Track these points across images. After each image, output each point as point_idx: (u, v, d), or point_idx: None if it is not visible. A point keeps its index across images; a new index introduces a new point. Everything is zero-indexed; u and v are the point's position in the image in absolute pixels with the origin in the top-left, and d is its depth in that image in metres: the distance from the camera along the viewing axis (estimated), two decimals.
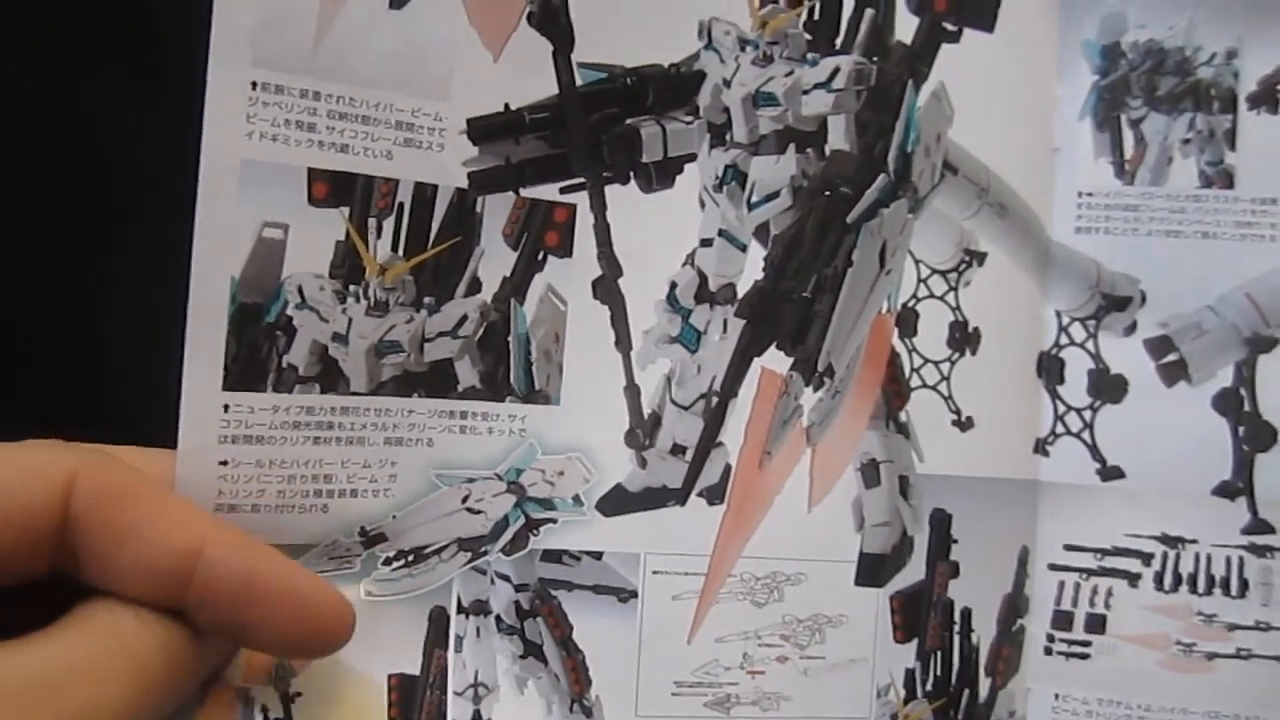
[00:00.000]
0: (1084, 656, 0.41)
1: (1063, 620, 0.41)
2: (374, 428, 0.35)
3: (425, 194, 0.35)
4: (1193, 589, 0.41)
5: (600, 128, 0.37)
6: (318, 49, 0.34)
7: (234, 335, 0.33)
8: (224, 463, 0.33)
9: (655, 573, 0.37)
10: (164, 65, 0.34)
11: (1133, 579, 0.41)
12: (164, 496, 0.30)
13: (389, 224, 0.35)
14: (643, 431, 0.37)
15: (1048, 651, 0.41)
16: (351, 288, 0.35)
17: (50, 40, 0.37)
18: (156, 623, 0.29)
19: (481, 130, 0.36)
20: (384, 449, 0.35)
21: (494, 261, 0.36)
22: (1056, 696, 0.41)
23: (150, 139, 0.36)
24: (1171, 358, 0.42)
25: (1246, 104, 0.42)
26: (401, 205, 0.35)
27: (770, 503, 0.38)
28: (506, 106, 0.36)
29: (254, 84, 0.33)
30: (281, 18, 0.33)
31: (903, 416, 0.40)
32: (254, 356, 0.34)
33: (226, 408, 0.33)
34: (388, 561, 0.35)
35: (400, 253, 0.36)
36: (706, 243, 0.38)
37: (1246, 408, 0.42)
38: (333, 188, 0.34)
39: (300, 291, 0.34)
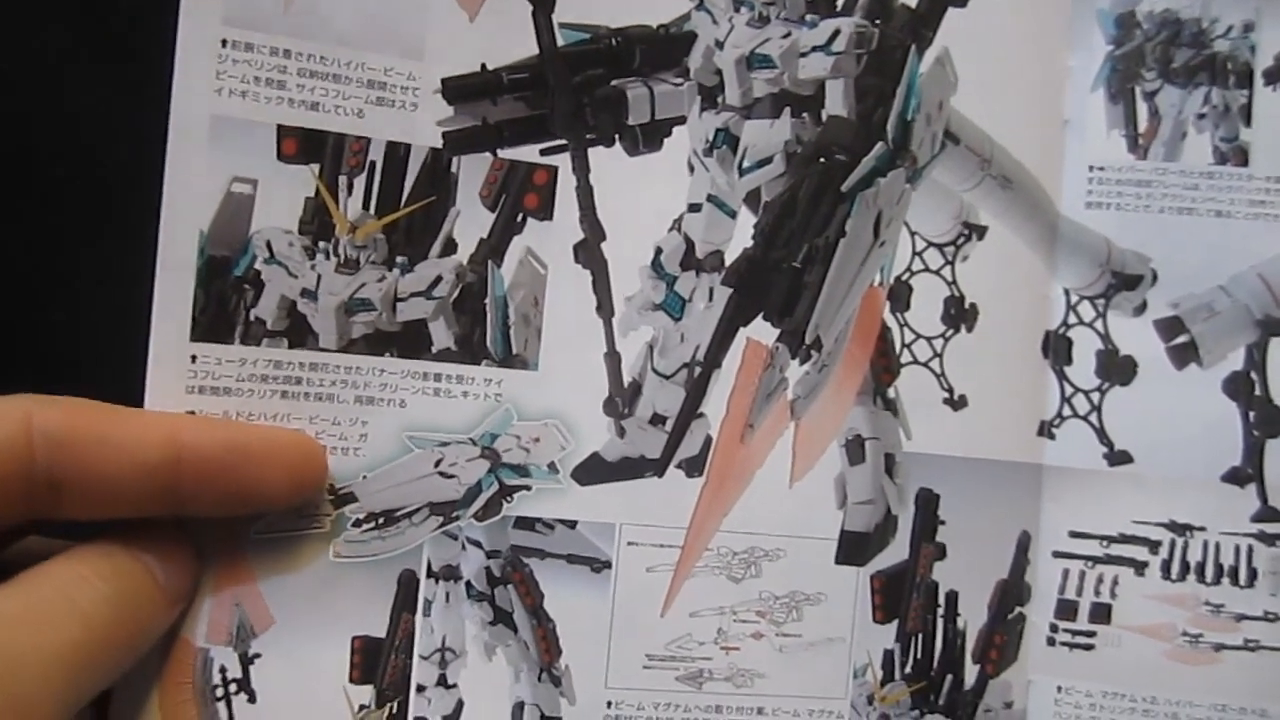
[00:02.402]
0: (1088, 648, 0.40)
1: (1066, 610, 0.40)
2: (344, 385, 0.35)
3: (398, 153, 0.35)
4: (1200, 578, 0.39)
5: (583, 89, 0.36)
6: (289, 8, 0.34)
7: (202, 288, 0.34)
8: (191, 413, 0.33)
9: (630, 544, 0.36)
10: (135, 24, 0.34)
11: (1139, 567, 0.40)
12: (125, 410, 0.31)
13: (360, 182, 0.35)
14: (622, 400, 0.36)
15: (1050, 642, 0.40)
16: (321, 244, 0.35)
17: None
18: (107, 574, 0.30)
19: (457, 90, 0.35)
20: (354, 407, 0.35)
21: (470, 223, 0.36)
22: (1059, 689, 0.40)
23: (122, 96, 0.35)
24: (1182, 339, 0.40)
25: (1263, 79, 0.40)
26: (373, 164, 0.35)
27: (751, 477, 0.37)
28: (483, 67, 0.36)
29: (224, 41, 0.33)
30: None
31: (891, 393, 0.38)
32: (222, 309, 0.34)
33: (194, 358, 0.33)
34: (358, 523, 0.35)
35: (372, 211, 0.35)
36: (695, 208, 0.37)
37: (1257, 392, 0.40)
38: (303, 144, 0.34)
39: (269, 246, 0.34)
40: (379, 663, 0.35)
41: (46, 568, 0.29)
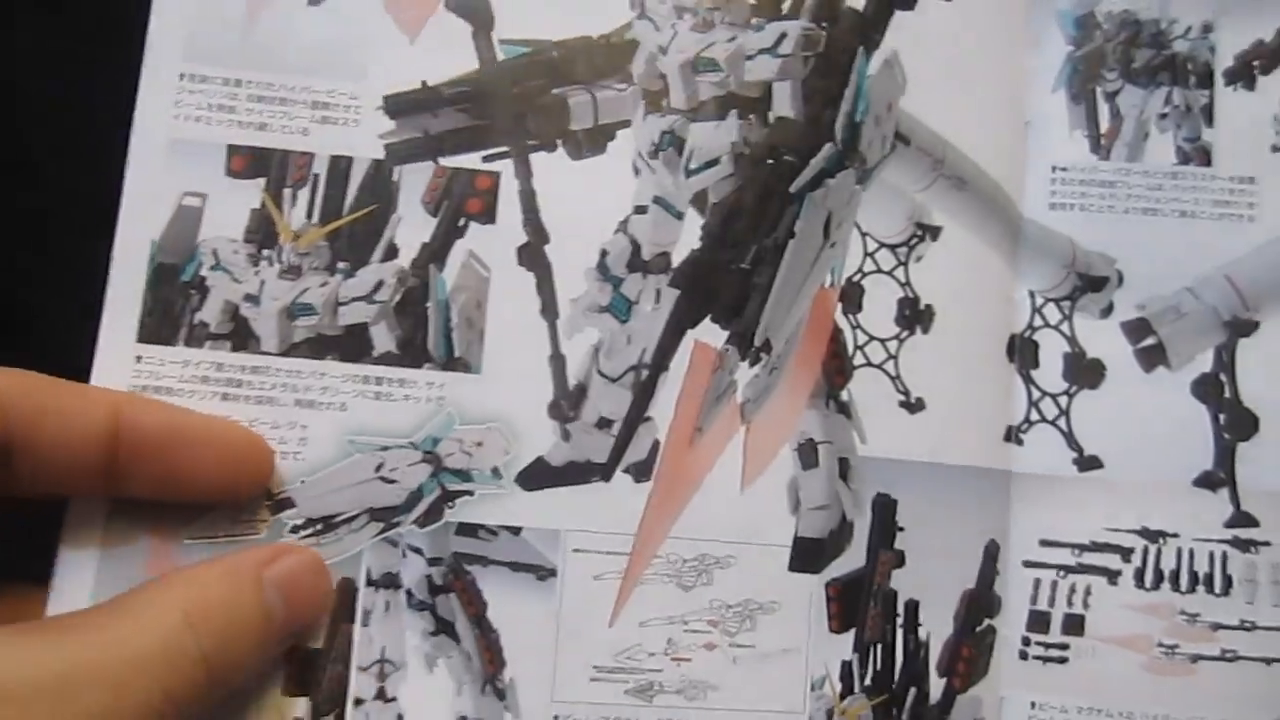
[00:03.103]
0: (1062, 660, 0.38)
1: (1038, 621, 0.38)
2: (285, 388, 0.35)
3: (340, 166, 0.36)
4: (1175, 586, 0.38)
5: (524, 99, 0.37)
6: (243, 43, 0.36)
7: (150, 292, 0.34)
8: None
9: (576, 551, 0.36)
10: (103, 59, 0.36)
11: (1112, 576, 0.38)
12: (70, 383, 0.31)
13: (304, 194, 0.36)
14: (567, 403, 0.36)
15: (1023, 656, 0.38)
16: (265, 252, 0.36)
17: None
18: (212, 627, 0.29)
19: (398, 105, 0.36)
20: (294, 410, 0.35)
21: (413, 228, 0.36)
22: (1033, 705, 0.38)
23: (89, 118, 0.37)
24: (1150, 341, 0.39)
25: (1224, 79, 0.40)
26: (317, 177, 0.36)
27: (700, 481, 0.36)
28: (424, 84, 0.36)
29: (182, 75, 0.36)
30: (210, 18, 0.36)
31: (844, 395, 0.38)
32: (168, 312, 0.35)
33: (139, 358, 0.34)
34: (295, 529, 0.34)
35: (315, 220, 0.36)
36: (641, 210, 0.37)
37: (1227, 394, 0.38)
38: (250, 161, 0.36)
39: (215, 254, 0.35)
40: (316, 674, 0.34)
41: (147, 598, 0.29)
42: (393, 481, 0.35)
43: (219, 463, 0.33)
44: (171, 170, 0.35)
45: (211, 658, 0.29)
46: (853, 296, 0.38)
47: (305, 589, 0.32)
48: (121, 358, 0.34)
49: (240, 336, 0.35)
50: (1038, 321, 0.40)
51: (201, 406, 0.34)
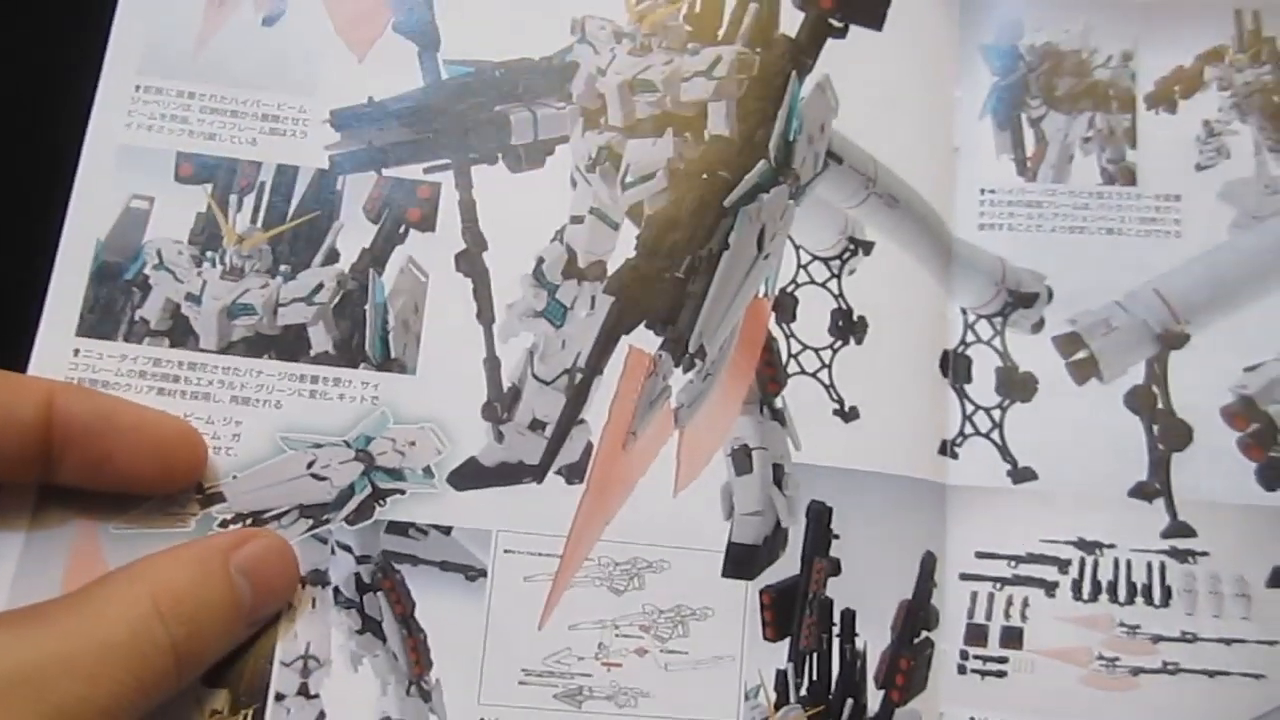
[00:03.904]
0: (1000, 674, 0.37)
1: (976, 635, 0.38)
2: (221, 385, 0.35)
3: (286, 174, 0.37)
4: (1113, 598, 0.38)
5: (467, 115, 0.38)
6: (197, 58, 0.38)
7: (92, 288, 0.35)
8: None
9: (507, 551, 0.36)
10: (62, 73, 0.38)
11: (1049, 588, 0.38)
12: (3, 372, 0.32)
13: (250, 200, 0.37)
14: (501, 405, 0.36)
15: (961, 670, 0.38)
16: (209, 254, 0.36)
17: None
18: (183, 613, 0.29)
19: (344, 119, 0.38)
20: (230, 407, 0.35)
21: (354, 234, 0.37)
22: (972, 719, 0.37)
23: (44, 121, 0.38)
24: (1081, 355, 0.40)
25: (1145, 104, 0.41)
26: (263, 184, 0.37)
27: (633, 485, 0.36)
28: (370, 99, 0.38)
29: (138, 86, 0.37)
30: (168, 33, 0.38)
31: (778, 403, 0.38)
32: (109, 309, 0.35)
33: (77, 351, 0.35)
34: (224, 524, 0.34)
35: (259, 225, 0.37)
36: (577, 220, 0.38)
37: (1160, 405, 0.39)
38: (198, 168, 0.37)
39: (159, 254, 0.36)
40: (237, 667, 0.34)
41: (115, 587, 0.29)
42: (324, 479, 0.35)
43: (151, 452, 0.33)
44: (121, 174, 0.36)
45: (180, 645, 0.29)
46: (786, 306, 0.39)
47: (272, 573, 0.33)
48: (59, 350, 0.35)
49: (179, 334, 0.36)
50: (970, 337, 0.40)
51: (137, 400, 0.35)
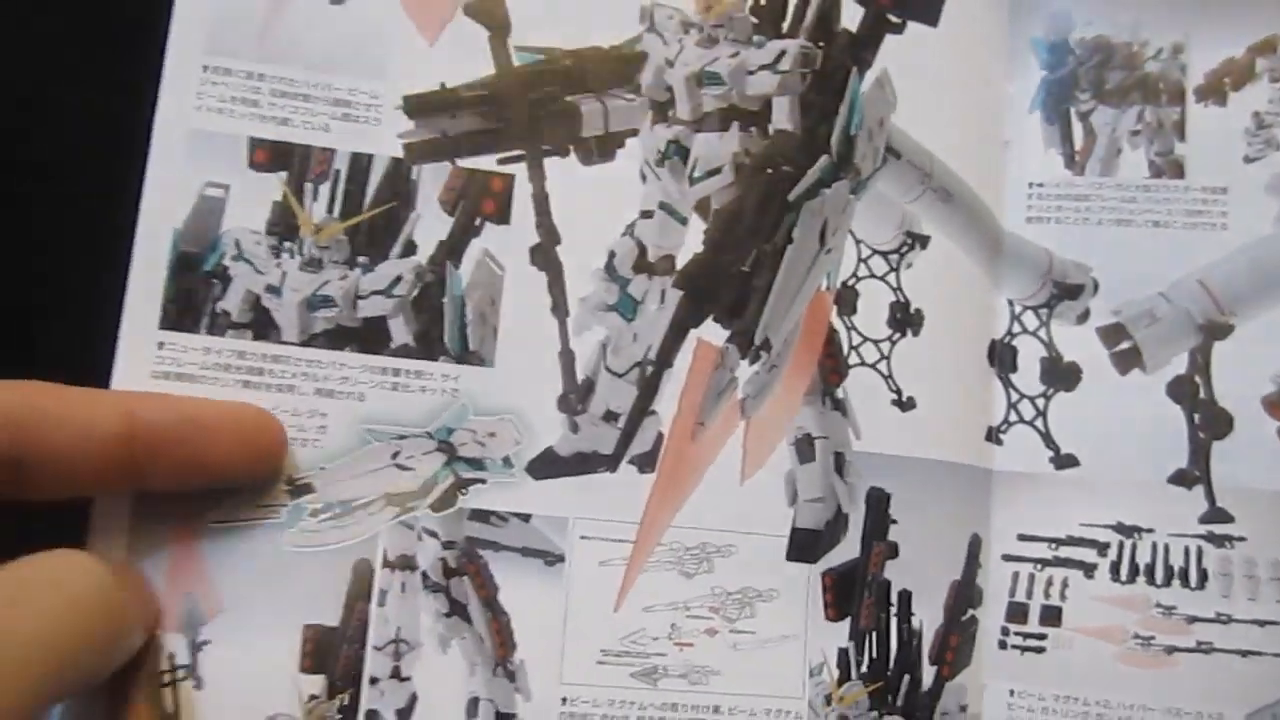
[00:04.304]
0: (1039, 650, 0.40)
1: (1017, 613, 0.40)
2: (304, 377, 0.36)
3: (361, 163, 0.37)
4: (1150, 580, 0.40)
5: (539, 105, 0.38)
6: (264, 38, 0.37)
7: (172, 281, 0.35)
8: None
9: (583, 538, 0.37)
10: (125, 53, 0.37)
11: (1088, 569, 0.40)
12: (80, 389, 0.32)
13: (325, 189, 0.37)
14: (576, 396, 0.37)
15: (1002, 645, 0.40)
16: (287, 244, 0.37)
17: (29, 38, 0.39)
18: (100, 570, 0.30)
19: (417, 105, 0.38)
20: (314, 399, 0.36)
21: (430, 226, 0.37)
22: (1012, 693, 0.40)
23: (111, 109, 0.38)
24: (1125, 345, 0.41)
25: (1194, 97, 0.42)
26: (338, 172, 0.37)
27: (702, 473, 0.38)
28: (443, 85, 0.38)
29: (205, 67, 0.36)
30: (233, 12, 0.37)
31: (840, 393, 0.39)
32: (190, 301, 0.36)
33: (161, 345, 0.35)
34: (314, 513, 0.35)
35: (335, 215, 0.37)
36: (647, 214, 0.39)
37: (1202, 395, 0.41)
38: (272, 155, 0.37)
39: (237, 244, 0.36)
40: (331, 652, 0.35)
41: (42, 554, 0.29)
42: (408, 469, 0.36)
43: (237, 445, 0.34)
44: (194, 161, 0.36)
45: (108, 589, 0.29)
46: (847, 300, 0.40)
47: (137, 579, 0.34)
48: (144, 345, 0.35)
49: (261, 326, 0.36)
50: (1016, 328, 0.42)
51: (223, 394, 0.35)
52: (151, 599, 0.34)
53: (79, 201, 0.38)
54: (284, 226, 0.37)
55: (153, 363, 0.35)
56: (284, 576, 0.35)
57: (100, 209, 0.36)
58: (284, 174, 0.37)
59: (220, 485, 0.34)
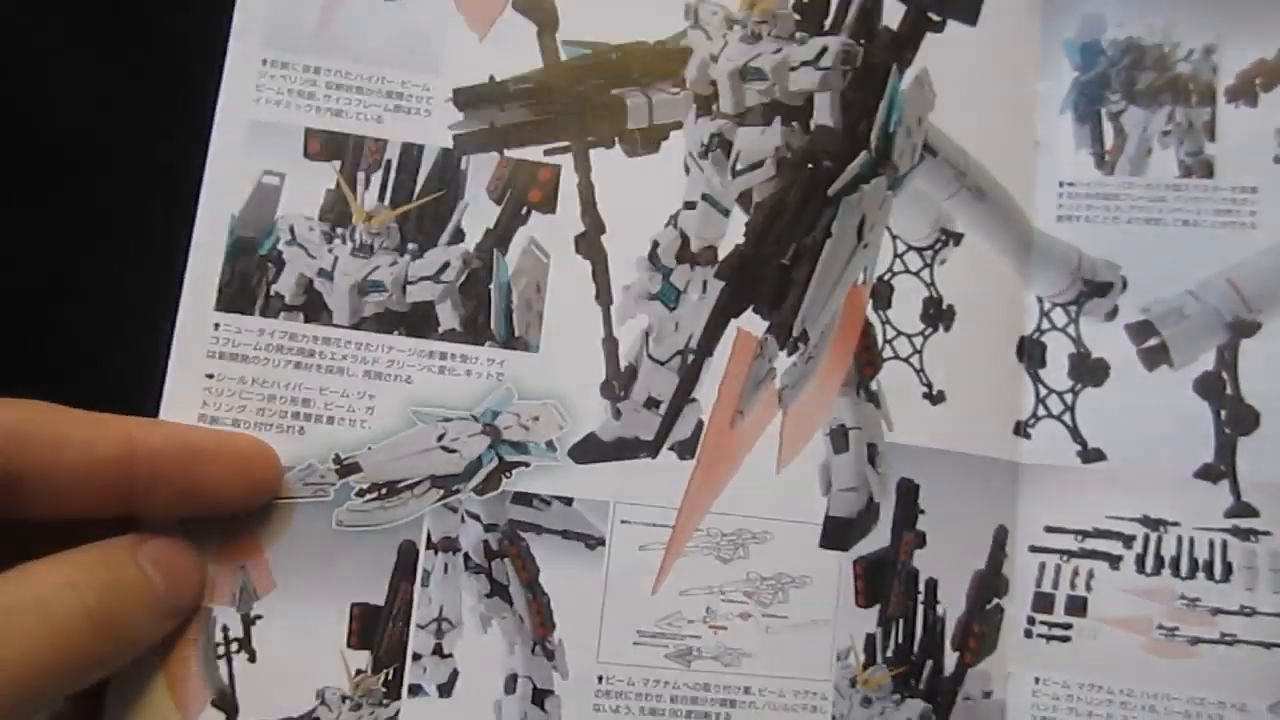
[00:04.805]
0: (1065, 639, 0.41)
1: (1043, 603, 0.41)
2: (354, 360, 0.37)
3: (412, 153, 0.38)
4: (1175, 572, 0.41)
5: (585, 98, 0.39)
6: (321, 33, 0.38)
7: (229, 264, 0.36)
8: (210, 375, 0.36)
9: (624, 522, 0.38)
10: (180, 51, 0.39)
11: (1114, 561, 0.41)
12: (80, 411, 0.32)
13: (377, 178, 0.38)
14: (618, 383, 0.38)
15: (1028, 634, 0.41)
16: (339, 230, 0.38)
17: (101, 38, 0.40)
18: (95, 583, 0.30)
19: (467, 97, 0.39)
20: (363, 381, 0.37)
21: (478, 214, 0.38)
22: (1037, 680, 0.40)
23: (173, 102, 0.39)
24: (1153, 342, 0.42)
25: (1225, 97, 0.43)
26: (389, 162, 0.38)
27: (740, 461, 0.39)
28: (492, 78, 0.39)
29: (264, 60, 0.38)
30: (291, 8, 0.38)
31: (874, 386, 0.40)
32: (245, 284, 0.36)
33: (217, 326, 0.36)
34: (361, 493, 0.36)
35: (386, 203, 0.38)
36: (690, 205, 0.39)
37: (1228, 391, 0.42)
38: (326, 145, 0.38)
39: (291, 230, 0.37)
40: (377, 630, 0.36)
41: (29, 568, 0.30)
42: (454, 451, 0.37)
43: (236, 473, 0.34)
44: (252, 150, 0.37)
45: (95, 612, 0.30)
46: (883, 294, 0.41)
47: (179, 565, 0.33)
48: (200, 325, 0.36)
49: (313, 309, 0.37)
50: (1045, 325, 0.43)
51: (275, 375, 0.36)
52: (189, 570, 0.34)
53: (144, 190, 0.38)
54: (337, 214, 0.38)
55: (208, 343, 0.36)
56: (332, 555, 0.36)
57: (164, 197, 0.37)
58: (338, 163, 0.38)
59: (216, 513, 0.34)
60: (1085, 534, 0.41)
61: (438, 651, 0.36)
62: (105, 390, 0.32)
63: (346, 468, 0.36)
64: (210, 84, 0.37)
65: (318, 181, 0.37)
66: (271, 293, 0.37)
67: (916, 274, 0.41)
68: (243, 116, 0.37)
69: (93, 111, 0.40)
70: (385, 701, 0.36)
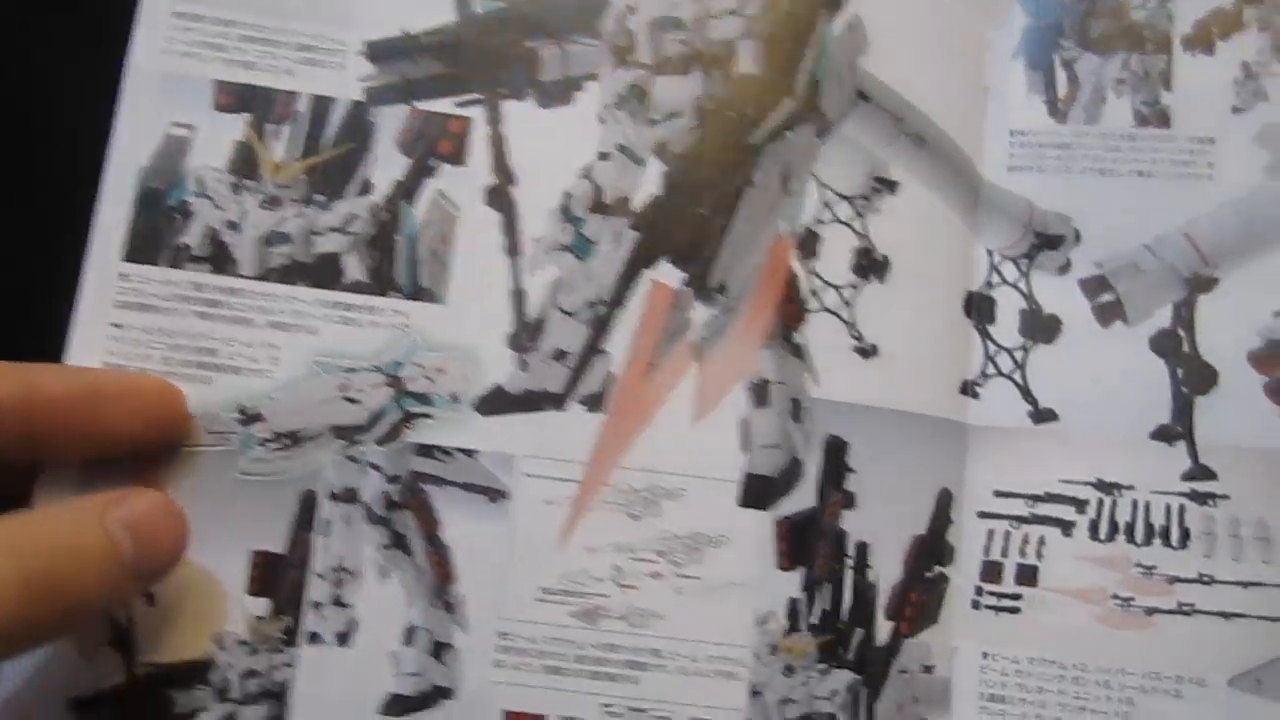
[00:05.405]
0: (1014, 610, 0.38)
1: (991, 571, 0.38)
2: (259, 311, 0.37)
3: (322, 106, 0.38)
4: (1130, 539, 0.38)
5: (498, 50, 0.39)
6: None
7: (137, 215, 0.37)
8: (117, 325, 0.36)
9: (528, 475, 0.37)
10: (95, 3, 0.40)
11: (1066, 527, 0.38)
12: None
13: (286, 130, 0.38)
14: (526, 335, 0.38)
15: (975, 605, 0.38)
16: (247, 182, 0.38)
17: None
18: (40, 549, 0.30)
19: (379, 50, 0.39)
20: (268, 332, 0.37)
21: (387, 167, 0.38)
22: (985, 655, 0.38)
23: (83, 54, 0.40)
24: (1107, 297, 0.39)
25: (1181, 46, 0.41)
26: (300, 114, 0.38)
27: (652, 414, 0.37)
28: (405, 32, 0.39)
29: (176, 13, 0.38)
30: None
31: (798, 338, 0.38)
32: (153, 234, 0.37)
33: (124, 276, 0.36)
34: (264, 443, 0.36)
35: (296, 155, 0.38)
36: (604, 156, 0.39)
37: (1185, 349, 0.39)
38: (237, 97, 0.38)
39: (200, 182, 0.37)
40: (277, 578, 0.36)
41: None
42: (356, 402, 0.37)
43: (134, 416, 0.34)
44: (162, 102, 0.38)
45: (35, 580, 0.29)
46: (809, 244, 0.39)
47: (156, 528, 0.32)
48: (108, 275, 0.36)
49: (220, 260, 0.37)
50: (995, 279, 0.40)
51: (181, 324, 0.36)
52: (167, 532, 0.33)
53: (53, 142, 0.39)
54: (246, 166, 0.38)
55: (115, 293, 0.36)
56: (234, 504, 0.36)
57: (74, 148, 0.38)
58: (248, 115, 0.38)
59: (121, 454, 0.34)
60: (1036, 499, 0.39)
61: (337, 601, 0.36)
62: (10, 340, 0.33)
63: (250, 417, 0.36)
64: (122, 36, 0.38)
65: (227, 134, 0.38)
66: (179, 244, 0.37)
67: (847, 224, 0.40)
68: (154, 69, 0.38)
69: (4, 62, 0.41)
70: (283, 648, 0.35)
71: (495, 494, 0.37)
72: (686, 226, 0.38)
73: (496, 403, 0.37)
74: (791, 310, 0.39)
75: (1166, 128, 0.40)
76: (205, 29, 0.38)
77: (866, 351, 0.39)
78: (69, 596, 0.30)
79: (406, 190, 0.38)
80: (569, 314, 0.38)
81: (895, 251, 0.39)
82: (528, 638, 0.36)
